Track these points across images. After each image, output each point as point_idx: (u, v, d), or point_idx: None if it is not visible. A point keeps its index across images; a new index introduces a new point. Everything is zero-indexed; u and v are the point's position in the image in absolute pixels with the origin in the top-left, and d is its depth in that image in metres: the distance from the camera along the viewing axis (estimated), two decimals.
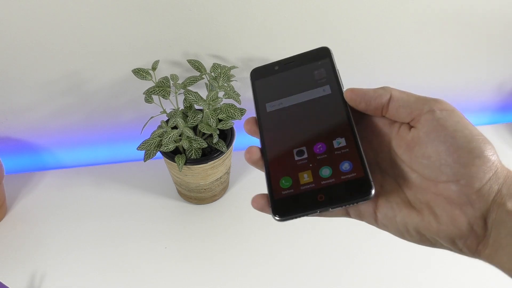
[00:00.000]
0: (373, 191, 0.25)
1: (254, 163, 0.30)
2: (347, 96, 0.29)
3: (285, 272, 0.62)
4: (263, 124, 0.31)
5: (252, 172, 0.77)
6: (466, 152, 0.24)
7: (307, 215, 0.27)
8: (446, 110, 0.26)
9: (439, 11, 0.68)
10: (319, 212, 0.26)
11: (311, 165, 0.28)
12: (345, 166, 0.27)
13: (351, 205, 0.26)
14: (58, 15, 0.58)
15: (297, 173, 0.28)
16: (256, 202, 0.29)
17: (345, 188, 0.26)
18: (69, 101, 0.70)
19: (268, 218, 0.76)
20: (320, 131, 0.29)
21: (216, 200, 0.72)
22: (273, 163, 0.29)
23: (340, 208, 0.26)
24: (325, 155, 0.28)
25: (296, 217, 0.27)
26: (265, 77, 0.34)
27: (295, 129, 0.30)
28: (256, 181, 0.76)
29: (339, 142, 0.28)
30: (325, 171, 0.27)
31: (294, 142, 0.29)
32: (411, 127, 0.27)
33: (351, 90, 0.29)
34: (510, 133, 0.89)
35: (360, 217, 0.28)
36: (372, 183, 0.26)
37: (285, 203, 0.27)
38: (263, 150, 0.30)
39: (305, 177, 0.28)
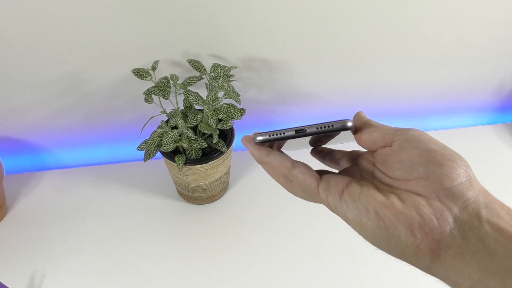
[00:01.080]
0: (350, 123, 0.28)
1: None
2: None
3: (285, 272, 0.62)
4: None
5: (252, 172, 0.77)
6: (439, 154, 0.25)
7: (282, 133, 0.29)
8: (419, 131, 0.27)
9: (439, 12, 0.68)
10: (295, 133, 0.28)
11: None
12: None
13: (330, 130, 0.28)
14: (58, 15, 0.58)
15: None
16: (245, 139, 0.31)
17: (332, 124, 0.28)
18: (69, 101, 0.70)
19: (268, 218, 0.76)
20: None
21: (216, 200, 0.72)
22: None
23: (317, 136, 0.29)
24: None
25: (272, 136, 0.29)
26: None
27: None
28: (256, 181, 0.76)
29: None
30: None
31: None
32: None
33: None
34: (510, 133, 0.89)
35: (327, 189, 0.28)
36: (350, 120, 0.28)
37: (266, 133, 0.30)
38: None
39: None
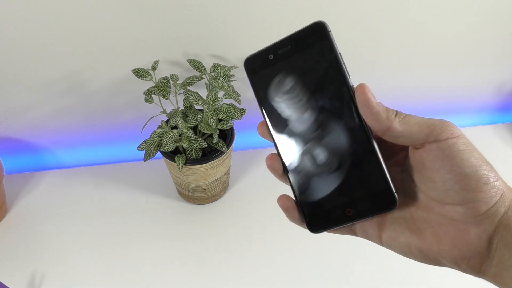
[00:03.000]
0: (396, 203, 0.26)
1: (273, 170, 0.30)
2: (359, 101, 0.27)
3: (285, 272, 0.62)
4: (275, 131, 0.30)
5: (252, 172, 0.77)
6: (473, 180, 0.24)
7: (337, 228, 0.29)
8: (452, 137, 0.25)
9: (439, 12, 0.68)
10: (348, 225, 0.28)
11: (337, 181, 0.28)
12: (369, 180, 0.27)
13: (376, 215, 0.27)
14: (58, 15, 0.58)
15: (324, 190, 0.28)
16: (283, 202, 0.30)
17: (371, 201, 0.27)
18: (69, 101, 0.70)
19: (268, 218, 0.75)
20: (340, 146, 0.28)
21: (216, 200, 0.72)
22: (297, 180, 0.29)
23: (365, 219, 0.27)
24: (349, 170, 0.28)
25: (328, 230, 0.29)
26: (261, 69, 0.31)
27: (313, 143, 0.28)
28: (256, 181, 0.76)
29: (361, 157, 0.27)
30: (351, 187, 0.28)
31: (315, 159, 0.29)
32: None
33: (363, 96, 0.26)
34: (510, 133, 0.89)
35: (366, 236, 0.29)
36: (395, 194, 0.26)
37: (317, 218, 0.29)
38: (283, 162, 0.30)
39: (333, 193, 0.28)
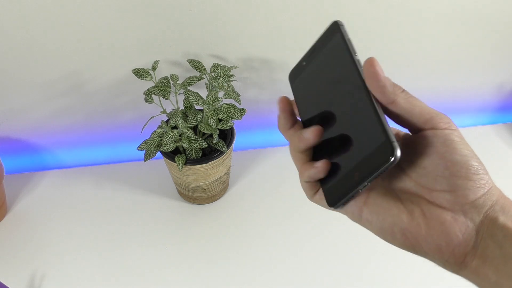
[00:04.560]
0: (395, 153, 0.24)
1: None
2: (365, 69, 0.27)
3: (285, 272, 0.62)
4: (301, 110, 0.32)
5: (252, 172, 0.77)
6: (464, 167, 0.24)
7: (353, 196, 0.27)
8: (449, 129, 0.25)
9: (439, 12, 0.68)
10: (361, 190, 0.27)
11: (344, 145, 0.28)
12: (369, 136, 0.26)
13: (380, 172, 0.25)
14: (58, 15, 0.58)
15: (333, 158, 0.28)
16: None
17: (373, 157, 0.26)
18: (69, 101, 0.70)
19: (268, 218, 0.75)
20: (343, 112, 0.29)
21: (216, 200, 0.72)
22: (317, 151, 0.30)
23: (372, 179, 0.26)
24: (352, 132, 0.28)
25: (346, 201, 0.28)
26: (299, 76, 0.33)
27: (324, 113, 0.30)
28: (256, 181, 0.76)
29: (359, 118, 0.27)
30: (355, 148, 0.27)
31: (326, 128, 0.29)
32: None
33: (372, 69, 0.26)
34: (510, 133, 0.89)
35: (345, 211, 0.28)
36: (394, 144, 0.25)
37: (332, 191, 0.28)
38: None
39: (340, 161, 0.28)
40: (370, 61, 0.26)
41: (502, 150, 0.85)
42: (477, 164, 0.25)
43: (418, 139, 0.26)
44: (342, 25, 0.30)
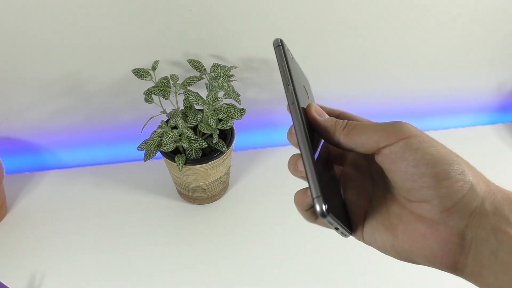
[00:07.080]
0: (318, 209, 0.23)
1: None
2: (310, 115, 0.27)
3: (285, 272, 0.62)
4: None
5: (252, 172, 0.77)
6: (429, 177, 0.23)
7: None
8: (402, 139, 0.24)
9: (439, 13, 0.68)
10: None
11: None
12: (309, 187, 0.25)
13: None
14: (58, 15, 0.58)
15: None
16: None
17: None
18: (69, 101, 0.70)
19: (268, 218, 0.75)
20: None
21: (216, 200, 0.72)
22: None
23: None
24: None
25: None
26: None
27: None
28: (256, 181, 0.76)
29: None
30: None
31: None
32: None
33: (310, 117, 0.27)
34: (510, 133, 0.89)
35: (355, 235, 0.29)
36: (315, 200, 0.23)
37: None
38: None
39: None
40: (308, 109, 0.27)
41: (502, 150, 0.85)
42: (447, 167, 0.23)
43: (380, 158, 0.25)
44: (279, 45, 0.28)
